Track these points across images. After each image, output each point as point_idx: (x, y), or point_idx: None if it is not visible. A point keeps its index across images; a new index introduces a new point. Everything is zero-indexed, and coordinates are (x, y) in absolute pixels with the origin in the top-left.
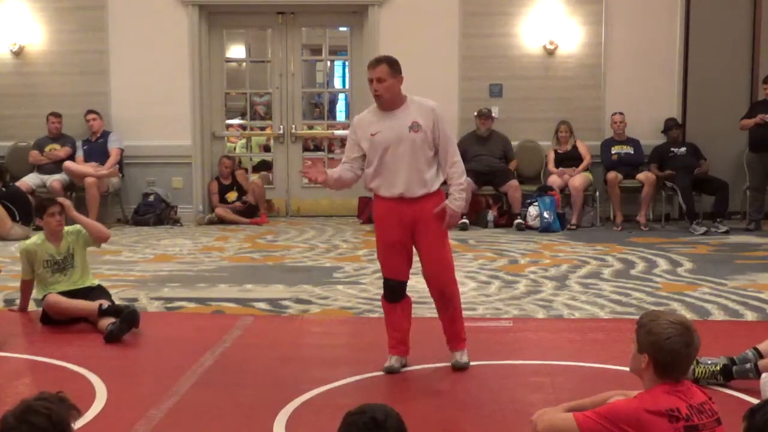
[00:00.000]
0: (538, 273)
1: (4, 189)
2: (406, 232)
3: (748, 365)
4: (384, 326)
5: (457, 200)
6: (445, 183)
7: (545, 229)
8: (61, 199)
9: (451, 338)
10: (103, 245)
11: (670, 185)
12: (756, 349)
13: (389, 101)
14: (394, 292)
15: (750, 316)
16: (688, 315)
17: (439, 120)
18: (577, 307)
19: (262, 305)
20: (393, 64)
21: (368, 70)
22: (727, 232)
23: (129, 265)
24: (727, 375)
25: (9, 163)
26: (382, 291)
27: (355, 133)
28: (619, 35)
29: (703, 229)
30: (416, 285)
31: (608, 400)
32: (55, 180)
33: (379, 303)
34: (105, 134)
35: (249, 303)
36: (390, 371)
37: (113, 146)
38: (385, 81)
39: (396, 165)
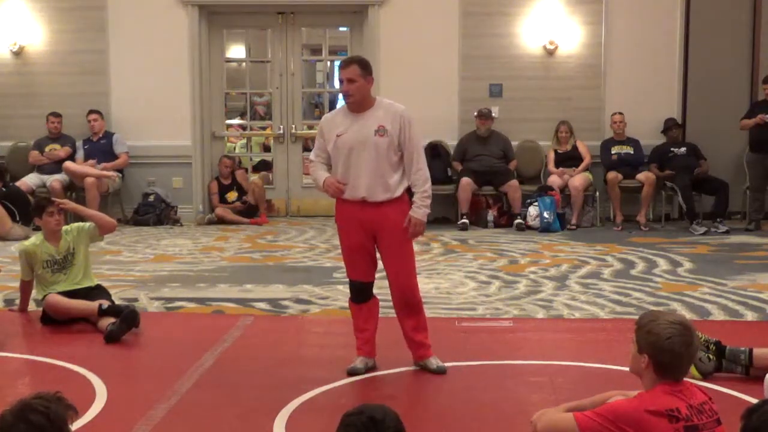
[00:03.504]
0: (538, 273)
1: (4, 189)
2: (367, 235)
3: (741, 348)
4: (383, 327)
5: (420, 208)
6: (410, 189)
7: (545, 229)
8: (57, 200)
9: (416, 348)
10: (103, 244)
11: (670, 185)
12: (750, 350)
13: (358, 102)
14: (360, 293)
15: (750, 316)
16: (688, 315)
17: (407, 125)
18: (577, 307)
19: (262, 305)
20: (364, 65)
21: (339, 70)
22: (727, 232)
23: (129, 265)
24: (720, 350)
25: (9, 163)
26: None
27: (322, 135)
28: (619, 35)
29: (703, 229)
30: None
31: (608, 400)
32: (55, 180)
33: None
34: (108, 135)
35: (249, 303)
36: (353, 372)
37: (121, 150)
38: (356, 81)
39: (359, 168)
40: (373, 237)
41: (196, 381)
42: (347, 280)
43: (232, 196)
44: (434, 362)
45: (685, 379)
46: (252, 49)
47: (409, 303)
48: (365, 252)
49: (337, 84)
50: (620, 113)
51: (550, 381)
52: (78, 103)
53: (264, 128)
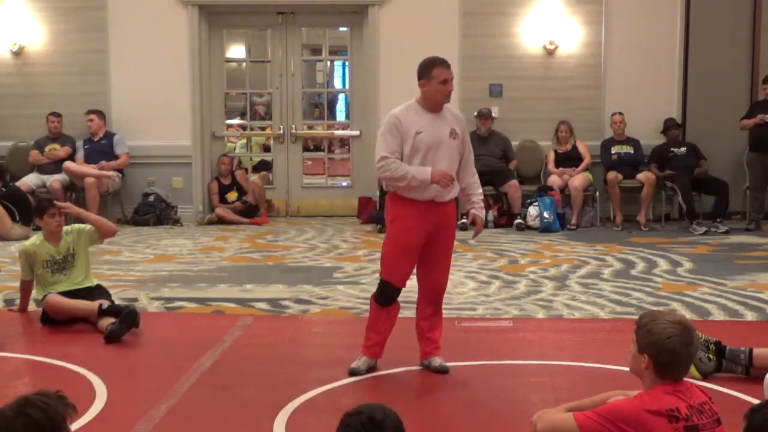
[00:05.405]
0: (538, 273)
1: (4, 189)
2: (426, 236)
3: (741, 348)
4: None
5: (483, 209)
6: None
7: (545, 229)
8: (60, 204)
9: (426, 344)
10: (103, 245)
11: (670, 185)
12: (750, 350)
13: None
14: (390, 296)
15: (750, 316)
16: (688, 315)
17: (466, 129)
18: (577, 307)
19: (262, 305)
20: None
21: (444, 69)
22: (727, 232)
23: (129, 265)
24: (720, 350)
25: (9, 163)
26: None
27: (398, 131)
28: (619, 35)
29: (703, 229)
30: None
31: (608, 400)
32: (55, 180)
33: None
34: (108, 135)
35: (249, 303)
36: (354, 372)
37: (121, 151)
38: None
39: (434, 168)
40: (428, 237)
41: (196, 381)
42: (351, 278)
43: (232, 196)
44: (438, 361)
45: (685, 379)
46: (252, 49)
47: (440, 299)
48: (415, 253)
49: (336, 84)
50: (620, 113)
51: (550, 381)
52: (78, 103)
53: (264, 128)
